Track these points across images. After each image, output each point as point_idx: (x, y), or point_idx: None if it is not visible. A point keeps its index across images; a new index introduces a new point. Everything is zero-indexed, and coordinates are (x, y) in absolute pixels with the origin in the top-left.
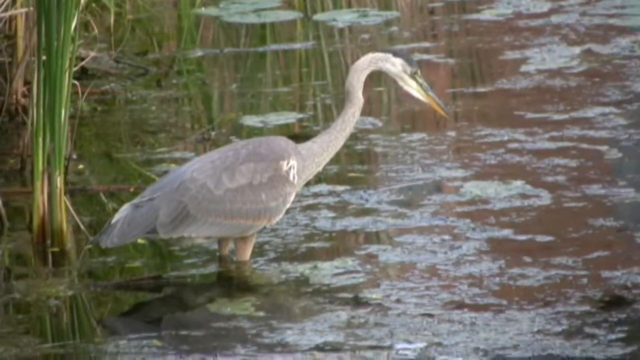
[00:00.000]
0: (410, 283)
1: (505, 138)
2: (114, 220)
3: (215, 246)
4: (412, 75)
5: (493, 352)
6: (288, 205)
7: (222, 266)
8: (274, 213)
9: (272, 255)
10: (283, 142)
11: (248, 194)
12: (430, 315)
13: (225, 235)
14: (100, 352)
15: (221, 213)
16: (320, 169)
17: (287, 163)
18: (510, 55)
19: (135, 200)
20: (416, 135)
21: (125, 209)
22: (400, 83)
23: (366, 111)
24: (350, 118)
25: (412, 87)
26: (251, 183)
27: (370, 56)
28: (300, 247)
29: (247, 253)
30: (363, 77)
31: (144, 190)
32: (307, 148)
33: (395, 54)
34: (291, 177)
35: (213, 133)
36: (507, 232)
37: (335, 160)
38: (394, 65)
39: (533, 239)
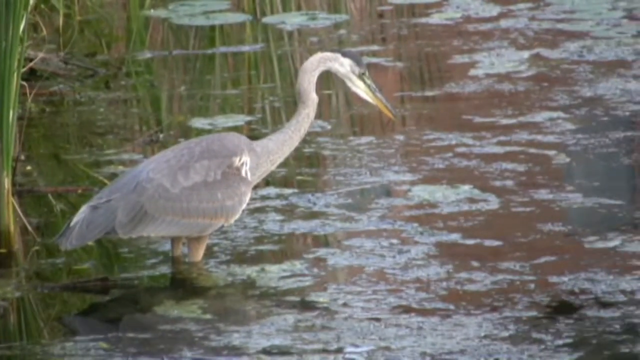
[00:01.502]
0: (358, 287)
1: (454, 142)
2: (72, 223)
3: (165, 248)
4: (360, 76)
5: (440, 356)
6: (244, 205)
7: (171, 268)
8: (230, 212)
9: (221, 257)
10: (236, 138)
11: (203, 192)
12: (378, 320)
13: (184, 234)
14: (47, 354)
15: (178, 212)
16: (274, 167)
17: (240, 159)
18: (459, 59)
19: (93, 202)
20: (365, 139)
21: (83, 211)
22: (348, 84)
23: (315, 114)
24: (305, 119)
25: (360, 88)
26: (205, 181)
27: (319, 56)
28: (250, 250)
29: (199, 254)
30: (314, 79)
31: (100, 192)
32: (263, 145)
33: (344, 54)
34: (243, 173)
35: (161, 135)
36: (455, 237)
37: (283, 163)
38: (343, 65)
39: (481, 244)
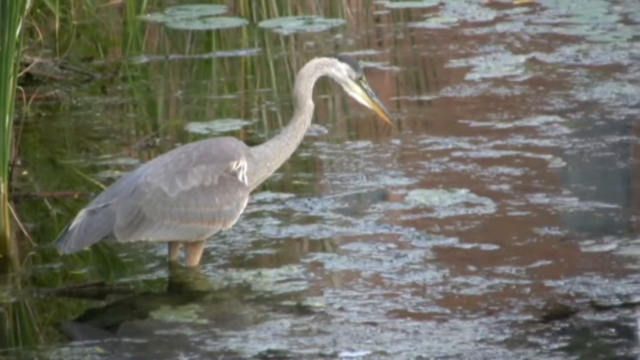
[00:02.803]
0: (354, 291)
1: (450, 146)
2: (70, 227)
3: (161, 253)
4: (357, 81)
5: None
6: (242, 210)
7: (167, 273)
8: (228, 217)
9: (219, 261)
10: (234, 143)
11: (201, 196)
12: (374, 324)
13: (182, 239)
14: (43, 359)
15: (176, 216)
16: (270, 174)
17: (237, 164)
18: (455, 63)
19: (91, 207)
20: (361, 144)
21: (81, 216)
22: (345, 89)
23: (312, 119)
24: (301, 125)
25: (357, 93)
26: (203, 185)
27: (316, 61)
28: (247, 254)
29: (196, 258)
30: (311, 85)
31: (98, 196)
32: (260, 151)
33: (341, 59)
34: (240, 178)
35: (158, 140)
36: (451, 241)
37: (280, 167)
38: (340, 70)
39: (477, 248)
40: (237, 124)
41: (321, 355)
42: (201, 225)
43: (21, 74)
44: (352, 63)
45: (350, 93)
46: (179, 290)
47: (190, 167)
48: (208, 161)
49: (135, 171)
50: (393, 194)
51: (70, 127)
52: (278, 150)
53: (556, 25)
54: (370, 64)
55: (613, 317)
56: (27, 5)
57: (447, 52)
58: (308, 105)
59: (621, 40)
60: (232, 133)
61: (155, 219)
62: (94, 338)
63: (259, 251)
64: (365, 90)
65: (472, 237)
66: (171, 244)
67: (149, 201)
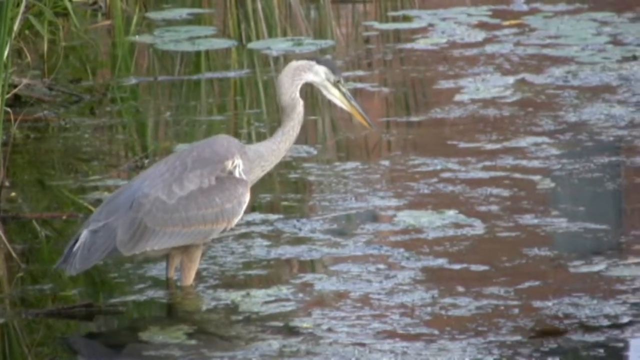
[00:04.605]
0: (343, 312)
1: (439, 167)
2: (74, 249)
3: (150, 273)
4: (336, 84)
5: None
6: (244, 206)
7: (156, 293)
8: (231, 215)
9: (209, 282)
10: (226, 141)
11: (201, 199)
12: (362, 345)
13: (187, 243)
14: None
15: (178, 222)
16: (263, 174)
17: (232, 162)
18: (445, 84)
19: (91, 227)
20: (350, 164)
21: (83, 236)
22: (324, 92)
23: (301, 139)
24: (290, 132)
25: (335, 96)
26: (201, 188)
27: (293, 65)
28: (237, 275)
29: (191, 275)
30: (296, 93)
31: (97, 214)
32: (254, 149)
33: (319, 62)
34: (237, 175)
35: (147, 161)
36: (440, 262)
37: (268, 188)
38: (317, 74)
39: (466, 269)
40: None
41: None
42: (205, 227)
43: (9, 95)
44: (330, 66)
45: (329, 96)
46: (168, 311)
47: (186, 174)
48: (203, 165)
49: (132, 184)
50: (382, 215)
51: (59, 148)
52: (271, 151)
53: (545, 46)
54: (360, 85)
55: (602, 338)
56: (16, 27)
57: (436, 73)
58: (297, 112)
59: (610, 61)
60: None
61: (158, 228)
62: (83, 359)
63: (248, 272)
64: (344, 94)
65: (461, 257)
66: (169, 260)
67: (148, 211)
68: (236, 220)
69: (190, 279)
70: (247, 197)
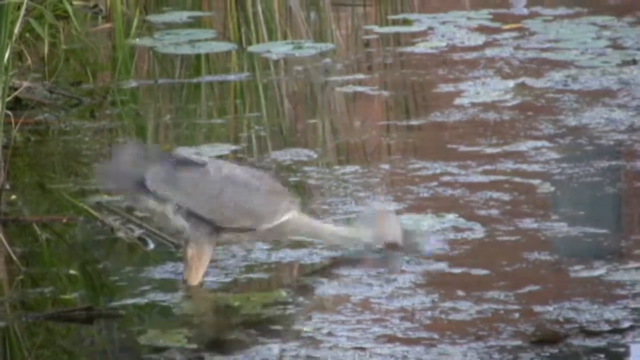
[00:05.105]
0: (343, 316)
1: (439, 171)
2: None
3: (151, 275)
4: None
5: None
6: (280, 217)
7: (156, 297)
8: (262, 218)
9: (210, 286)
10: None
11: (242, 191)
12: (362, 349)
13: (207, 217)
14: None
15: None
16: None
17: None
18: (444, 88)
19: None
20: (350, 168)
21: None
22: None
23: (301, 143)
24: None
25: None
26: (248, 183)
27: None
28: (237, 279)
29: (198, 275)
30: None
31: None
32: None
33: None
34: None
35: None
36: (441, 266)
37: None
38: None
39: (467, 273)
40: (226, 149)
41: None
42: (232, 213)
43: (10, 98)
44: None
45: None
46: (168, 314)
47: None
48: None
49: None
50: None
51: (59, 151)
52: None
53: (545, 50)
54: (360, 89)
55: (602, 343)
56: (16, 30)
57: (436, 76)
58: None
59: (610, 65)
60: (221, 157)
61: (189, 190)
62: None
63: (249, 275)
64: None
65: (461, 261)
66: (185, 254)
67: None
68: (267, 226)
69: (197, 278)
70: (285, 216)
